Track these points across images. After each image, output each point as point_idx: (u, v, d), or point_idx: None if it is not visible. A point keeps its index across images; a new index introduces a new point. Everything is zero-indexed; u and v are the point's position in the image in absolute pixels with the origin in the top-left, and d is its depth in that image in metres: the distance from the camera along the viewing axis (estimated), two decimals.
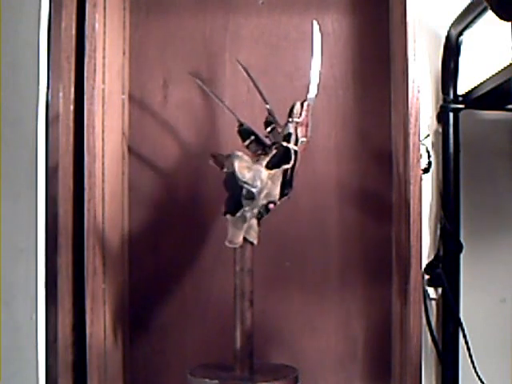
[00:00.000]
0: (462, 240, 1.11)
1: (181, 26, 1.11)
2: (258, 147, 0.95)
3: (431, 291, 1.12)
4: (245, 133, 0.96)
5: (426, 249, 1.12)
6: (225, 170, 0.90)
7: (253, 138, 0.95)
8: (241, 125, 0.97)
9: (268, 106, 0.95)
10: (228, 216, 0.89)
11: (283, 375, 0.90)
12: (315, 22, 0.96)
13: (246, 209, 0.88)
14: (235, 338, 0.91)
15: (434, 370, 1.12)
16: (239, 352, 0.90)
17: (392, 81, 1.08)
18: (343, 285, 1.09)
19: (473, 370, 1.08)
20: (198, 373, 0.90)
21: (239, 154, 0.88)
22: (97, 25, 0.90)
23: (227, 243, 0.88)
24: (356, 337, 1.09)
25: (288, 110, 0.92)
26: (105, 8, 0.95)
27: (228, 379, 0.89)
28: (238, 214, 0.88)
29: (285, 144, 0.90)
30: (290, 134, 0.91)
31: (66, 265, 0.90)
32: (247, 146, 0.95)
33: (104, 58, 0.94)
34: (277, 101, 0.96)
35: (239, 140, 0.96)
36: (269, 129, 0.94)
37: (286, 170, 0.90)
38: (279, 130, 0.92)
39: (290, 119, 0.91)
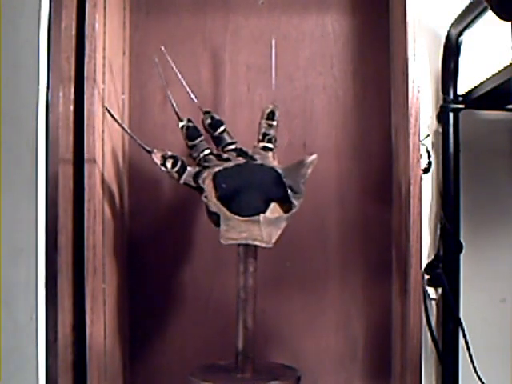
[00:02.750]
0: (462, 240, 1.11)
1: (180, 25, 1.11)
2: (204, 148, 0.92)
3: (431, 291, 1.12)
4: (193, 132, 0.92)
5: (426, 249, 1.12)
6: (219, 167, 0.90)
7: (202, 138, 0.92)
8: (189, 121, 0.93)
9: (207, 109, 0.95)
10: (261, 216, 0.88)
11: (286, 378, 0.89)
12: (273, 42, 0.99)
13: (297, 206, 0.89)
14: (237, 339, 0.90)
15: (434, 370, 1.12)
16: (241, 353, 0.90)
17: (392, 81, 1.08)
18: (343, 285, 1.09)
19: (473, 370, 1.08)
20: (198, 374, 0.90)
21: (314, 157, 0.92)
22: (97, 25, 0.90)
23: (263, 244, 0.86)
24: (356, 337, 1.09)
25: (266, 114, 0.95)
26: (105, 8, 0.95)
27: (230, 381, 0.89)
28: (290, 214, 0.88)
29: (267, 145, 0.94)
30: (274, 137, 0.95)
31: (66, 264, 0.90)
32: (192, 146, 0.92)
33: (104, 58, 0.94)
34: (277, 101, 0.96)
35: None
36: (220, 129, 0.93)
37: None
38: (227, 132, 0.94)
39: (274, 122, 0.95)
